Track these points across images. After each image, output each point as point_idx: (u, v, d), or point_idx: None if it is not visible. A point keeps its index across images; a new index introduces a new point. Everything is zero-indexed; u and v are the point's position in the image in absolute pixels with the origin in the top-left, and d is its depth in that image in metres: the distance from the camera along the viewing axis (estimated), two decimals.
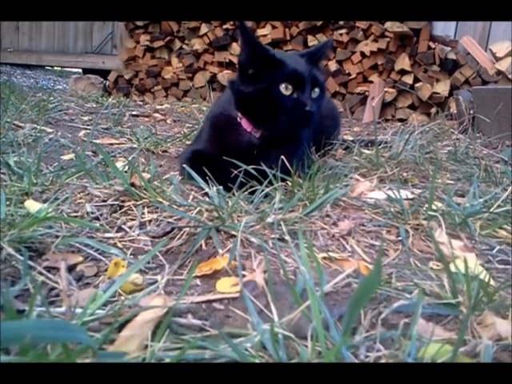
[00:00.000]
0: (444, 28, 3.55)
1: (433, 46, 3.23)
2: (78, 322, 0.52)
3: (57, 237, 0.81)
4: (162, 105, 3.68)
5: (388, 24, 3.23)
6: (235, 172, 1.07)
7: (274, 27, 3.59)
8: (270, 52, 1.18)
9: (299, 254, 0.71)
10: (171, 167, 1.49)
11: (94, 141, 1.77)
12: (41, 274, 0.70)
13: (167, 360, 0.49)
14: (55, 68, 6.71)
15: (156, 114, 2.89)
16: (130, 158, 1.32)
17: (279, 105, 1.14)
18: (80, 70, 5.27)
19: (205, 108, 2.86)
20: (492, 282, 0.70)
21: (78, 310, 0.57)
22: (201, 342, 0.50)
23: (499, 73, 3.01)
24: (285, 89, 1.13)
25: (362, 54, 3.39)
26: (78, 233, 0.86)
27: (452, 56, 3.19)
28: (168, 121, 2.71)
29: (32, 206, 0.93)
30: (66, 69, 6.43)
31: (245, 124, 1.23)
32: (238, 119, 1.24)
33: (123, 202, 1.01)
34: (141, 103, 3.80)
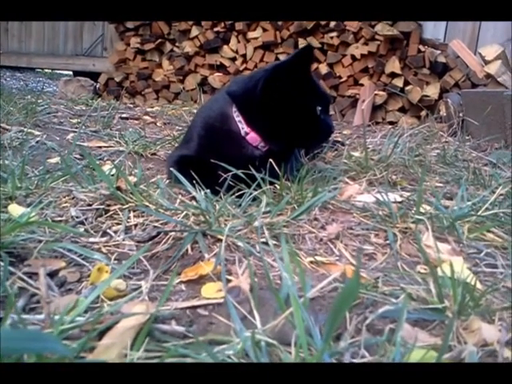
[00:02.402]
0: (434, 31, 3.58)
1: (423, 49, 3.24)
2: (55, 331, 0.50)
3: (40, 242, 0.80)
4: (152, 107, 3.65)
5: (378, 27, 3.23)
6: (224, 176, 1.06)
7: (264, 30, 3.59)
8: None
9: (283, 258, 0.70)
10: (159, 170, 1.48)
11: (82, 144, 1.75)
12: (21, 279, 0.68)
13: None
14: (45, 70, 6.66)
15: (146, 117, 2.87)
16: (116, 162, 1.31)
17: (315, 125, 1.21)
18: (70, 73, 5.23)
19: (195, 111, 2.84)
20: (479, 286, 0.70)
21: (58, 317, 0.55)
22: (182, 350, 0.49)
23: (488, 76, 3.03)
24: (319, 110, 1.21)
25: (353, 57, 3.39)
26: (62, 237, 0.85)
27: (442, 59, 3.20)
28: (158, 123, 2.69)
29: (15, 210, 0.92)
30: (56, 71, 6.37)
31: (251, 139, 1.21)
32: (243, 133, 1.20)
33: (109, 206, 0.99)
34: (131, 106, 3.77)
